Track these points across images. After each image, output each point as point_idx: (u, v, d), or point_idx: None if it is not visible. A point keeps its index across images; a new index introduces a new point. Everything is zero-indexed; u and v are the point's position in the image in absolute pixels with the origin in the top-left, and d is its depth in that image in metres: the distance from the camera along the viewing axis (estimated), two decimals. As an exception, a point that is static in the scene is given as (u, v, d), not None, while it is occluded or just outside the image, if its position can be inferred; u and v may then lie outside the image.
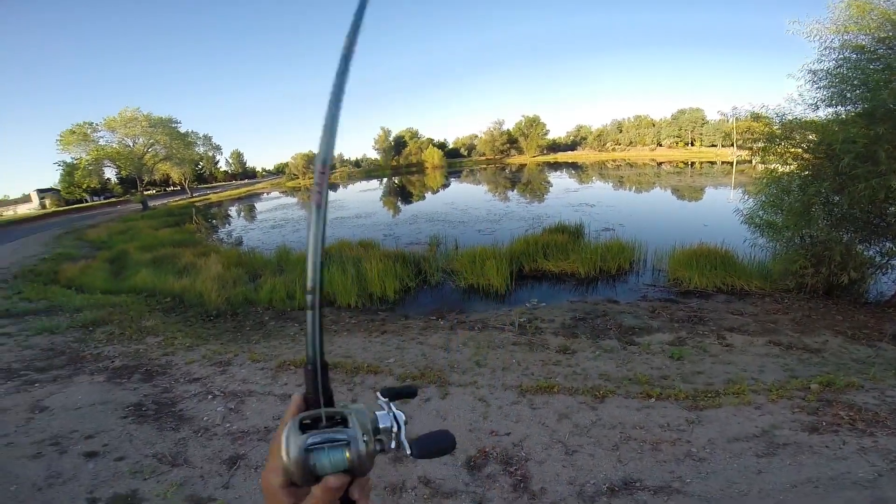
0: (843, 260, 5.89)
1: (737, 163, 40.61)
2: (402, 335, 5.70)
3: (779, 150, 6.48)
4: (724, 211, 15.89)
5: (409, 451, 0.50)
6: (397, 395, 0.56)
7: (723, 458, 2.96)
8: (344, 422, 0.46)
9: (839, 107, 6.20)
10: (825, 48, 6.19)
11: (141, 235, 20.05)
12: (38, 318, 7.24)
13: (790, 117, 6.41)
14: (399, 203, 27.01)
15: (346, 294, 7.72)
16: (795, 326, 5.33)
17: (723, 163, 45.84)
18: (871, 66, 5.65)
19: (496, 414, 3.61)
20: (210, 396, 4.27)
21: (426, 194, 32.50)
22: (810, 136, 6.23)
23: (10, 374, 4.86)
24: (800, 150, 6.44)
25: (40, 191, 69.17)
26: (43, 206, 65.67)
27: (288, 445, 0.43)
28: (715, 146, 66.46)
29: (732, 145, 58.58)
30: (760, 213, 6.85)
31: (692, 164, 47.51)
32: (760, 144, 6.76)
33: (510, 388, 3.98)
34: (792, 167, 6.58)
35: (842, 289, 6.23)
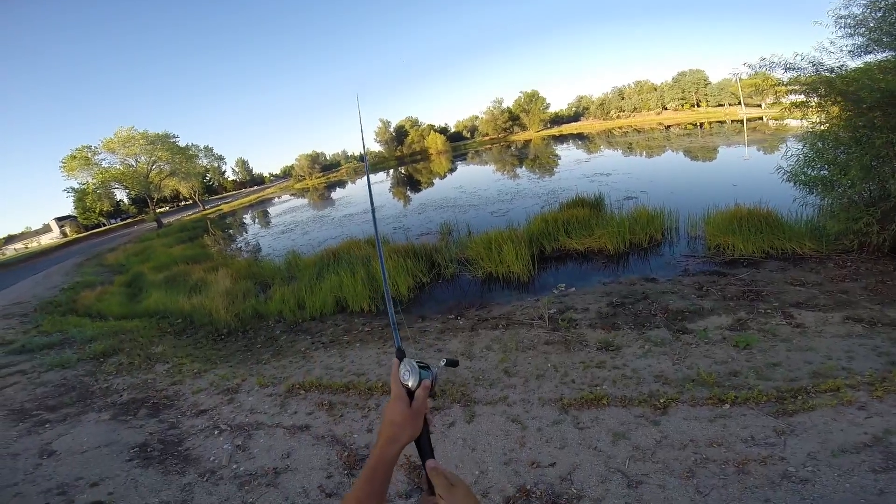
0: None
1: (747, 120, 39.30)
2: (419, 342, 5.15)
3: (823, 103, 5.70)
4: (751, 169, 14.91)
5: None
6: (448, 363, 0.91)
7: (830, 477, 2.37)
8: (427, 367, 0.85)
9: (882, 53, 5.43)
10: None
11: (155, 255, 19.99)
12: (52, 352, 7.12)
13: (828, 66, 5.65)
14: (407, 192, 26.35)
15: (357, 298, 7.20)
16: (872, 296, 4.57)
17: (733, 121, 43.88)
18: None
19: (535, 438, 3.04)
20: (216, 431, 3.91)
21: (433, 181, 31.68)
22: (848, 87, 5.47)
23: (23, 414, 4.77)
24: (842, 99, 5.64)
25: (59, 219, 70.62)
26: (64, 234, 67.09)
27: (409, 368, 0.81)
28: (722, 105, 63.77)
29: (740, 103, 56.41)
30: (807, 169, 6.06)
31: (701, 124, 45.40)
32: (799, 98, 5.98)
33: (549, 403, 3.39)
34: (839, 119, 5.78)
35: (910, 245, 5.45)
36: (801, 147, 6.15)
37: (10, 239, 74.67)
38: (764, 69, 6.01)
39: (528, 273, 7.23)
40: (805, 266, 5.79)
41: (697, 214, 7.85)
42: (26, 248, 59.29)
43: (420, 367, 0.83)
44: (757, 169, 14.15)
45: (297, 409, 4.03)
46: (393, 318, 1.01)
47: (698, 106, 68.98)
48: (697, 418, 2.99)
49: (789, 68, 5.80)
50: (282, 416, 3.94)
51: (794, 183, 6.15)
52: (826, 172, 5.80)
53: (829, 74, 5.56)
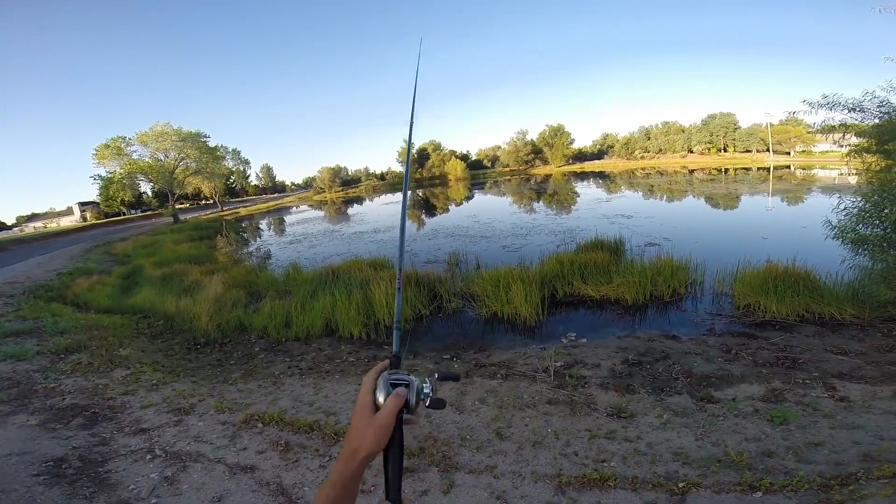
0: None
1: (774, 168, 38.77)
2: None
3: (890, 150, 5.15)
4: (779, 220, 14.22)
5: (427, 404, 0.75)
6: (444, 378, 0.84)
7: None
8: (407, 385, 0.72)
9: None
10: None
11: (162, 250, 19.77)
12: (15, 341, 6.61)
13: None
14: (421, 216, 25.99)
15: (349, 323, 6.65)
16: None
17: (759, 168, 43.32)
18: None
19: (522, 525, 2.43)
20: (150, 456, 3.35)
21: (449, 207, 31.41)
22: None
23: (-51, 408, 4.20)
24: None
25: (82, 203, 72.42)
26: (84, 218, 68.57)
27: (381, 384, 0.71)
28: (749, 151, 63.39)
29: (768, 150, 55.91)
30: (859, 225, 5.43)
31: (726, 170, 44.81)
32: (860, 141, 5.50)
33: (543, 479, 2.76)
34: None
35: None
36: (855, 200, 5.54)
37: (33, 217, 76.74)
38: (825, 108, 5.47)
39: (536, 317, 6.59)
40: (845, 333, 5.14)
41: (726, 269, 7.16)
42: (45, 227, 60.53)
43: (396, 384, 0.73)
44: (786, 221, 13.66)
45: (248, 444, 3.45)
46: (399, 311, 0.89)
47: (725, 150, 68.67)
48: (724, 515, 2.36)
49: (854, 109, 5.27)
50: (227, 451, 3.37)
51: (842, 240, 5.52)
52: (881, 231, 5.17)
53: None
